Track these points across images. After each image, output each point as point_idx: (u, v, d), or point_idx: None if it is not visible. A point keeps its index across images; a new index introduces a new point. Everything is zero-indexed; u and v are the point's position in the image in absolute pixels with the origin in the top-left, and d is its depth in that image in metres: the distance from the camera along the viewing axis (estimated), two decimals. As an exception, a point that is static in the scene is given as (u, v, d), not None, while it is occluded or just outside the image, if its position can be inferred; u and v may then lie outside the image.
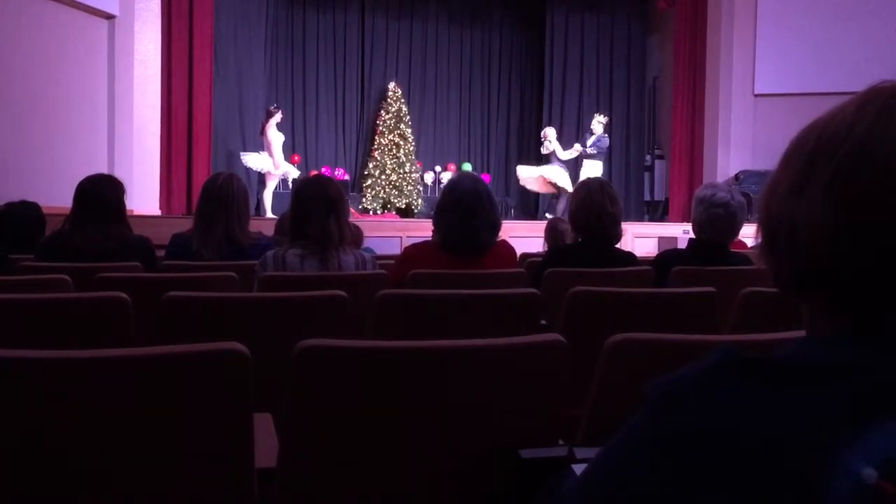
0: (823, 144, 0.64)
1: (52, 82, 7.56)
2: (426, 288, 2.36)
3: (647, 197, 11.69)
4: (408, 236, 7.78)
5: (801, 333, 0.69)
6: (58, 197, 5.23)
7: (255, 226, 3.47)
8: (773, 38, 9.88)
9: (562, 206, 9.54)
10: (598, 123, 10.32)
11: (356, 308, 2.03)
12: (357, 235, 4.71)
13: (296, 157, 10.77)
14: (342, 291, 2.00)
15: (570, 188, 9.62)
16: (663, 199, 11.32)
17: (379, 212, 10.85)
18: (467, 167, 11.39)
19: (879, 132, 0.61)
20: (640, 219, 11.00)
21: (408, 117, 11.46)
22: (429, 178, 11.54)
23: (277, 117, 9.67)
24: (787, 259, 0.66)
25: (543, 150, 10.49)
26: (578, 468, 0.99)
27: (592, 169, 9.84)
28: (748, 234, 3.53)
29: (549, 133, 10.45)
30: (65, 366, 1.07)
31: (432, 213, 2.90)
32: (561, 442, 1.24)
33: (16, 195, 4.06)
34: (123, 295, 1.88)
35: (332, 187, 2.72)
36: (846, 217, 0.60)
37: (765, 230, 0.68)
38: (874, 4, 9.43)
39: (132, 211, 6.29)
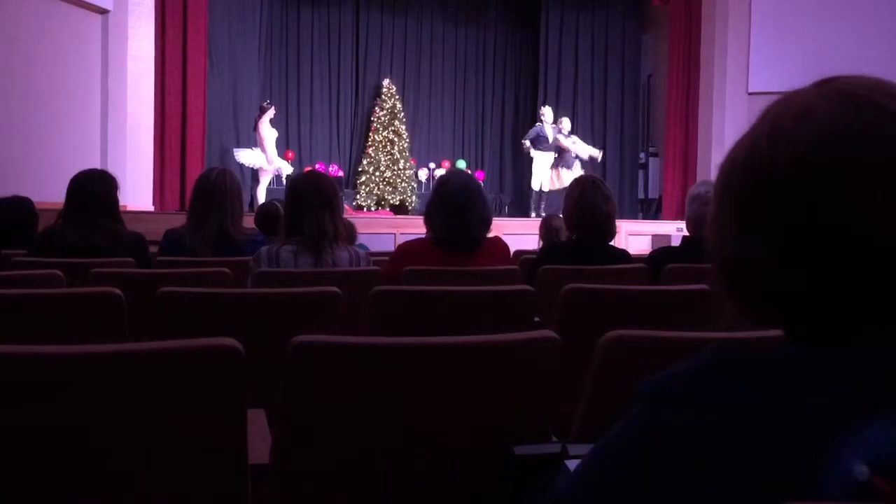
0: (750, 181, 0.64)
1: (44, 77, 7.52)
2: (421, 284, 2.36)
3: (640, 195, 11.71)
4: (402, 233, 7.77)
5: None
6: (51, 192, 5.20)
7: (248, 222, 3.46)
8: (767, 37, 9.90)
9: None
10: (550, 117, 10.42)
11: (350, 304, 2.03)
12: (351, 232, 4.71)
13: (290, 154, 10.76)
14: (336, 287, 2.00)
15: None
16: (657, 196, 11.34)
17: (373, 208, 10.85)
18: (461, 164, 11.39)
19: (800, 157, 0.61)
20: (633, 216, 11.02)
21: (402, 114, 11.45)
22: (423, 174, 11.53)
23: (271, 113, 9.65)
24: (751, 298, 0.66)
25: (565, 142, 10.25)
26: (572, 464, 0.99)
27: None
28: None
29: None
30: (57, 361, 1.07)
31: (425, 210, 2.91)
32: (554, 438, 1.24)
33: (8, 190, 4.04)
34: (116, 290, 1.87)
35: (327, 183, 2.72)
36: (793, 247, 0.61)
37: (722, 274, 0.68)
38: (868, 2, 9.45)
39: (125, 206, 6.26)
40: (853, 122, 0.60)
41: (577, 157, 10.15)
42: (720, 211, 0.67)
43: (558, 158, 10.16)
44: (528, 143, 10.40)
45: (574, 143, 10.23)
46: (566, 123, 10.38)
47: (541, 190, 10.28)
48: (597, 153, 10.40)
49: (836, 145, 0.60)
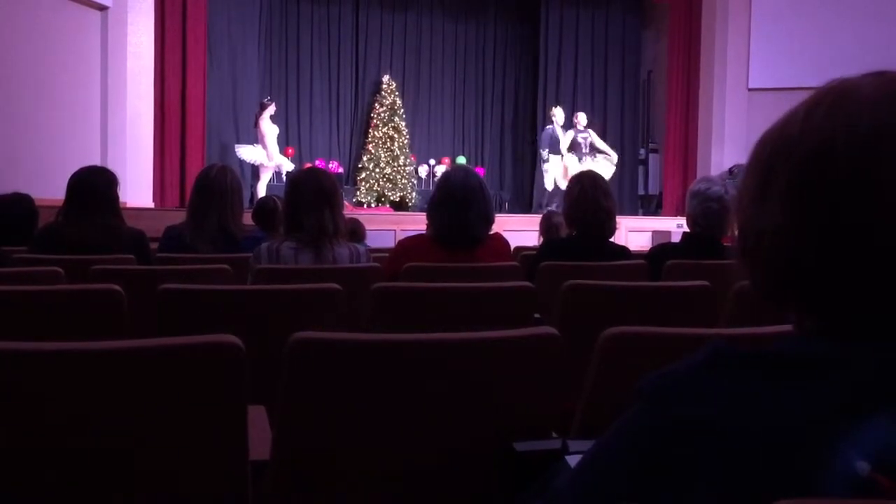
0: (777, 152, 0.65)
1: (44, 74, 7.51)
2: (421, 281, 2.36)
3: (640, 191, 11.71)
4: (402, 229, 7.77)
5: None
6: (51, 189, 5.20)
7: (248, 218, 3.46)
8: (767, 33, 9.89)
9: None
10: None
11: (351, 301, 2.03)
12: (358, 231, 4.71)
13: (290, 150, 10.75)
14: (337, 284, 2.00)
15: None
16: (657, 192, 11.34)
17: (373, 205, 10.84)
18: (462, 160, 11.38)
19: (827, 136, 0.61)
20: (634, 213, 11.02)
21: (402, 110, 11.43)
22: (423, 171, 11.52)
23: (271, 109, 9.64)
24: (758, 268, 0.67)
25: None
26: (572, 460, 0.99)
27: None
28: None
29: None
30: (57, 358, 1.07)
31: (426, 206, 2.91)
32: (555, 435, 1.24)
33: (8, 187, 4.04)
34: (117, 287, 1.87)
35: (327, 180, 2.72)
36: (803, 223, 0.61)
37: (737, 241, 0.69)
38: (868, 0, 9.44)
39: (125, 203, 6.26)
40: (885, 117, 0.60)
41: (590, 149, 10.06)
42: (748, 175, 0.68)
43: (572, 152, 10.04)
44: (545, 152, 10.19)
45: (591, 135, 10.18)
46: (582, 118, 10.26)
47: (556, 187, 9.95)
48: (611, 156, 10.29)
49: (856, 142, 0.60)
